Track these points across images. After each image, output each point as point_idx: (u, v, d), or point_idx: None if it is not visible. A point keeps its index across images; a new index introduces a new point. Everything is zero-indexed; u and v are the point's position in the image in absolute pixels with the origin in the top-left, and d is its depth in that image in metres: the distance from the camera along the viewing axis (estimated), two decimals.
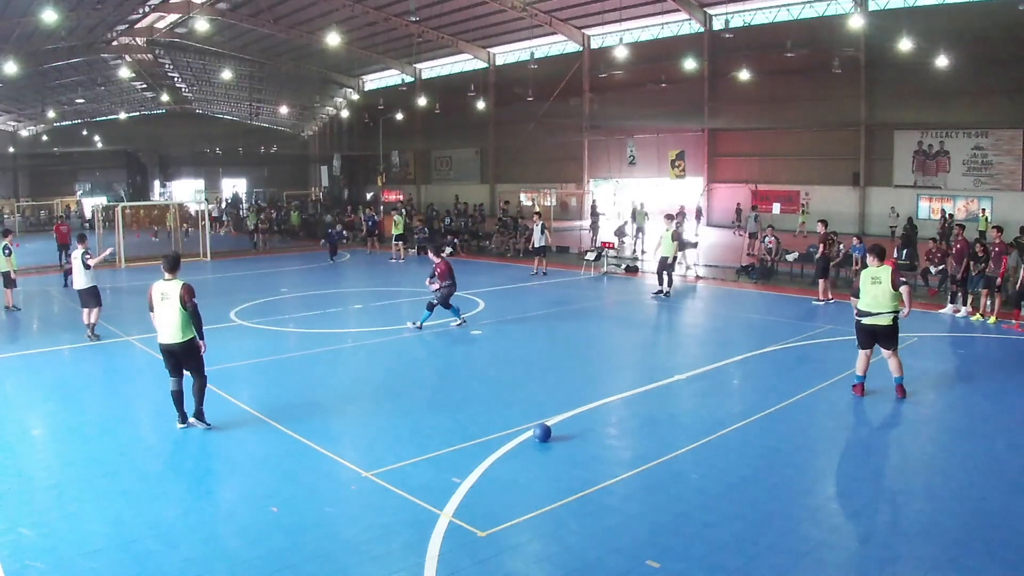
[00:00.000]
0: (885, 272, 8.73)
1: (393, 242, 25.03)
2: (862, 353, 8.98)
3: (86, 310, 12.71)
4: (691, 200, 36.53)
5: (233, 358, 11.08)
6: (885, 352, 8.84)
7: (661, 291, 16.90)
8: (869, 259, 9.11)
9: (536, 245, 20.76)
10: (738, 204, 35.04)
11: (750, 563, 5.14)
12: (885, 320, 8.72)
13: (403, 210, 29.98)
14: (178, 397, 7.86)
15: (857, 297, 8.93)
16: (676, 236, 17.15)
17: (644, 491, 6.36)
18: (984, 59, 26.74)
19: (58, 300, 17.41)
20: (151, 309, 7.90)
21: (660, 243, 17.28)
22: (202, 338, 7.83)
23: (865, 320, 8.81)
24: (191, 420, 7.89)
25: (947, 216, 27.30)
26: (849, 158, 32.18)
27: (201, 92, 55.82)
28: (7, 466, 6.93)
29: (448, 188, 49.72)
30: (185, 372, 7.91)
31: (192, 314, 7.70)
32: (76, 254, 12.87)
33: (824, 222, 16.80)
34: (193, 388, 7.87)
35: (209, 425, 7.87)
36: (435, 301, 12.91)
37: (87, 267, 12.66)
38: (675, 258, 17.20)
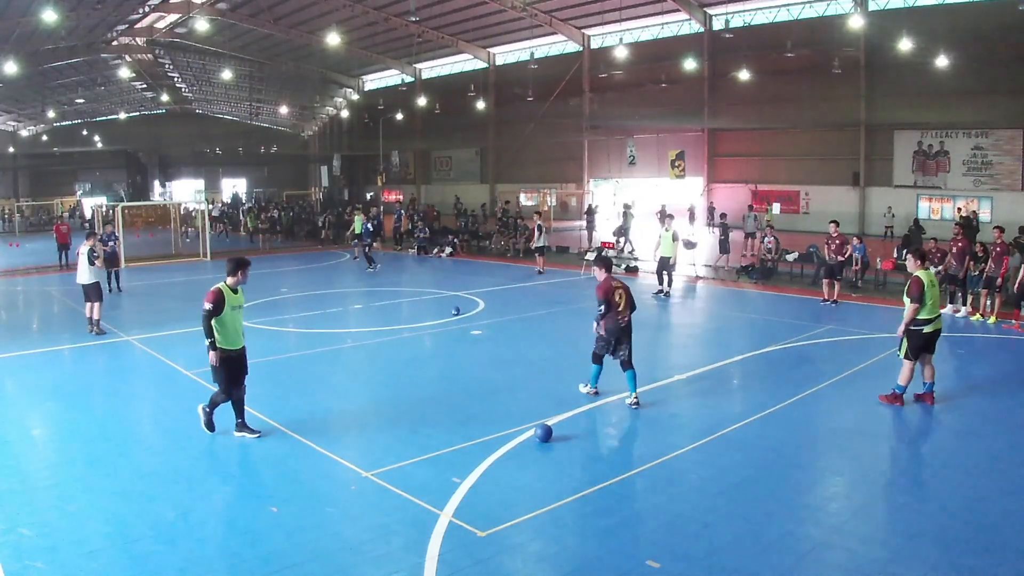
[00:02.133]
0: (933, 275, 8.64)
1: (351, 241, 26.66)
2: (911, 364, 8.49)
3: (89, 304, 12.84)
4: (696, 200, 36.67)
5: None
6: (928, 356, 8.59)
7: (661, 291, 16.92)
8: (911, 264, 8.68)
9: (537, 244, 21.46)
10: (711, 203, 35.01)
11: (750, 563, 5.14)
12: (941, 323, 8.60)
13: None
14: (235, 404, 7.66)
15: (919, 304, 8.36)
16: (677, 236, 17.14)
17: (644, 491, 6.36)
18: (984, 59, 26.74)
19: (58, 300, 17.40)
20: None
21: (660, 243, 17.28)
22: (212, 348, 7.31)
23: (928, 328, 8.43)
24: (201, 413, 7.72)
25: (974, 216, 26.94)
26: (849, 158, 32.18)
27: (201, 92, 55.81)
28: (7, 466, 6.93)
29: (448, 188, 49.72)
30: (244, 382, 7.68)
31: (202, 320, 7.36)
32: (83, 249, 12.97)
33: (836, 222, 16.42)
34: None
35: (211, 430, 7.70)
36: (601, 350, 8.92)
37: (91, 263, 12.86)
38: (675, 257, 17.18)
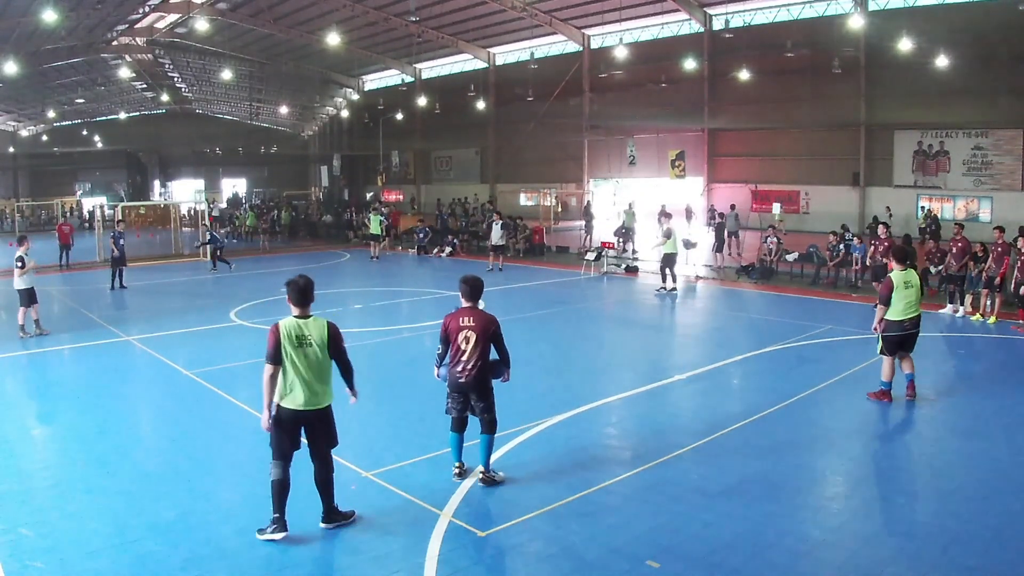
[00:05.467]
0: (914, 275, 8.63)
1: (371, 241, 26.77)
2: (890, 360, 8.58)
3: (22, 309, 12.74)
4: (696, 200, 36.60)
5: (233, 358, 11.09)
6: (903, 353, 8.62)
7: (663, 287, 17.00)
8: (891, 263, 8.73)
9: (495, 243, 21.96)
10: (712, 204, 34.95)
11: (750, 563, 5.14)
12: (919, 324, 8.59)
13: (384, 210, 31.37)
14: (280, 488, 5.40)
15: (885, 305, 8.47)
16: (670, 233, 17.16)
17: (644, 491, 6.35)
18: (984, 59, 26.72)
19: (58, 300, 17.38)
20: (276, 360, 5.48)
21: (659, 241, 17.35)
22: (352, 389, 5.84)
23: (899, 331, 8.46)
24: (324, 525, 5.61)
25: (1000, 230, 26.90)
26: (849, 158, 32.16)
27: (201, 92, 55.79)
28: (7, 466, 6.93)
29: (448, 188, 49.71)
30: (317, 453, 5.58)
31: (339, 363, 5.70)
32: (18, 254, 12.79)
33: (886, 224, 15.85)
34: (317, 478, 5.60)
35: (352, 519, 5.73)
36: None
37: (19, 267, 12.56)
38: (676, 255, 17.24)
